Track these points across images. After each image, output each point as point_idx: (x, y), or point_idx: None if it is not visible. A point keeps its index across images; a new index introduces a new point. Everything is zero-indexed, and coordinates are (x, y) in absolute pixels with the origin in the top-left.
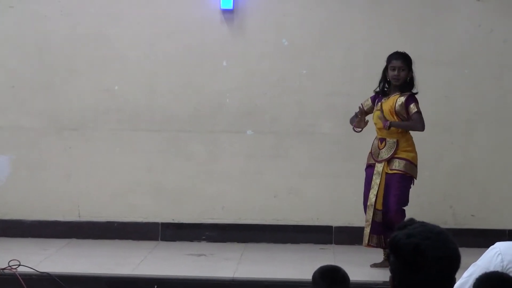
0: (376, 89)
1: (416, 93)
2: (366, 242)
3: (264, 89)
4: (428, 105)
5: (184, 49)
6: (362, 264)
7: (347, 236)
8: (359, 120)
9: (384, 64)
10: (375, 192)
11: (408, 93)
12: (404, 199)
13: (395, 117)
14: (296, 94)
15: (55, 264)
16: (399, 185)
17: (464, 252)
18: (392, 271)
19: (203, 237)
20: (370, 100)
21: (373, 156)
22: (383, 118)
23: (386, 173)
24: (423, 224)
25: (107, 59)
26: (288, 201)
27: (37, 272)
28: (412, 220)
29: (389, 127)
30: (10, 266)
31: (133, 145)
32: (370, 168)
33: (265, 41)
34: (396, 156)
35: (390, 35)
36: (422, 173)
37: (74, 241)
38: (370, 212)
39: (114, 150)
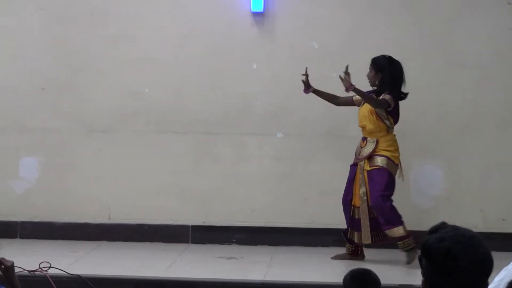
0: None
1: (404, 95)
2: (370, 241)
3: (292, 91)
4: (456, 108)
5: (214, 52)
6: (393, 266)
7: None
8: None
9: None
10: (364, 190)
11: (387, 92)
12: (384, 187)
13: (373, 115)
14: None
15: (86, 266)
16: (379, 180)
17: (494, 256)
18: (424, 274)
19: (233, 240)
20: None
21: (356, 154)
22: (345, 81)
23: (367, 170)
24: (455, 228)
25: (136, 61)
26: (319, 203)
27: (68, 274)
28: (444, 224)
29: (352, 89)
30: (40, 268)
31: (162, 147)
32: (353, 166)
33: (294, 44)
34: (375, 153)
35: (418, 38)
36: (451, 177)
37: (104, 243)
38: (365, 210)
39: (143, 152)
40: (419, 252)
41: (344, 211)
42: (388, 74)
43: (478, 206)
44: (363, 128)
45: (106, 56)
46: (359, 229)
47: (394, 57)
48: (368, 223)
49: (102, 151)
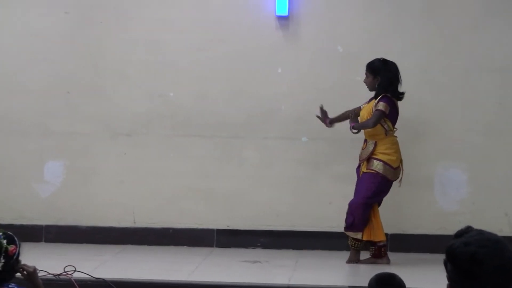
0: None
1: (401, 94)
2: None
3: (317, 95)
4: (482, 111)
5: (238, 55)
6: (418, 271)
7: (401, 243)
8: (323, 116)
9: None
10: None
11: (383, 95)
12: (368, 195)
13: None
14: (350, 101)
15: (110, 270)
16: (367, 182)
17: None
18: (449, 279)
19: (258, 244)
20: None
21: (359, 156)
22: (352, 120)
23: (363, 172)
24: (480, 232)
25: (161, 64)
26: (343, 207)
27: (93, 278)
28: (469, 228)
29: (354, 128)
30: (65, 272)
31: (186, 151)
32: (358, 168)
33: (319, 48)
34: (373, 156)
35: (443, 41)
36: (476, 180)
37: (129, 247)
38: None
39: (167, 155)
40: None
41: None
42: (385, 76)
43: (503, 210)
44: (360, 132)
45: (131, 59)
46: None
47: (419, 60)
48: (380, 220)
49: (127, 155)
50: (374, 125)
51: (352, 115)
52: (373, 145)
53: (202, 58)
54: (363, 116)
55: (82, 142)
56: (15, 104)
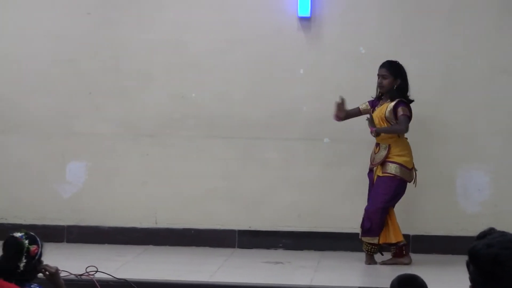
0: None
1: (412, 101)
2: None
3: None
4: (504, 113)
5: (260, 56)
6: (440, 272)
7: (424, 244)
8: (338, 108)
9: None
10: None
11: (399, 99)
12: (386, 199)
13: (384, 123)
14: None
15: (132, 271)
16: (385, 185)
17: None
18: (471, 280)
19: (280, 245)
20: (368, 103)
21: (370, 160)
22: (371, 124)
23: (378, 176)
24: (503, 234)
25: (183, 65)
26: None
27: (114, 279)
28: (492, 230)
29: (376, 133)
30: (87, 272)
31: (209, 152)
32: (370, 173)
33: (341, 49)
34: (388, 160)
35: (466, 43)
36: (498, 182)
37: (151, 247)
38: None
39: (190, 156)
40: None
41: None
42: (404, 80)
43: None
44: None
45: (153, 60)
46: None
47: (442, 62)
48: (396, 221)
49: (149, 156)
50: (407, 130)
51: (370, 117)
52: (387, 149)
53: (224, 59)
54: (376, 117)
55: (105, 143)
56: (38, 105)
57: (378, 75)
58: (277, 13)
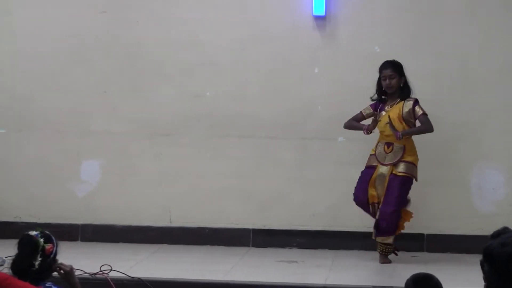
0: (372, 96)
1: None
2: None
3: (354, 95)
4: None
5: (275, 55)
6: (454, 271)
7: (438, 244)
8: (374, 125)
9: None
10: (380, 192)
11: (413, 98)
12: (403, 202)
13: (403, 123)
14: None
15: (147, 269)
16: (401, 188)
17: None
18: (486, 279)
19: (294, 244)
20: (370, 108)
21: (378, 158)
22: (393, 128)
23: (394, 175)
24: (507, 232)
25: (198, 64)
26: None
27: (129, 277)
28: (506, 229)
29: (401, 137)
30: (102, 271)
31: (223, 151)
32: (370, 168)
33: (356, 48)
34: (403, 159)
35: (481, 42)
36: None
37: (165, 246)
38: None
39: (204, 155)
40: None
41: (366, 211)
42: (405, 78)
43: None
44: (390, 134)
45: (167, 59)
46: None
47: (457, 61)
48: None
49: (164, 155)
50: (433, 129)
51: (390, 122)
52: (402, 149)
53: (239, 58)
54: (394, 118)
55: (119, 142)
56: (53, 103)
57: (383, 76)
58: (292, 12)
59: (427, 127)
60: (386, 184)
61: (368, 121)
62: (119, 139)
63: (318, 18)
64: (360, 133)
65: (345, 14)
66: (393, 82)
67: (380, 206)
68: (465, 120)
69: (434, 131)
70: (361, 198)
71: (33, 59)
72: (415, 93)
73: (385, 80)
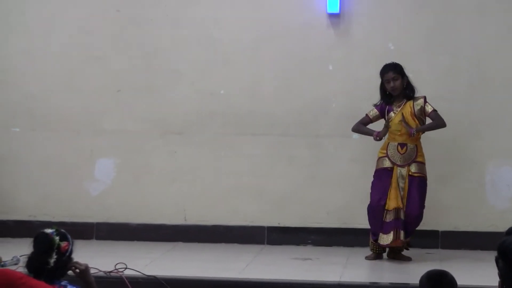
0: (377, 103)
1: None
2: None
3: (369, 93)
4: None
5: (289, 53)
6: (469, 268)
7: (453, 240)
8: (385, 131)
9: None
10: (402, 194)
11: (423, 96)
12: (424, 203)
13: (416, 121)
14: None
15: (162, 268)
16: (421, 190)
17: None
18: (501, 276)
19: (309, 241)
20: (376, 110)
21: (392, 160)
22: (408, 125)
23: (411, 176)
24: None
25: (212, 62)
26: None
27: (144, 275)
28: None
29: (415, 133)
30: (116, 269)
31: (237, 149)
32: (386, 171)
33: (370, 46)
34: (416, 160)
35: (495, 39)
36: None
37: (180, 244)
38: (400, 213)
39: (218, 154)
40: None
41: (374, 217)
42: (407, 78)
43: None
44: (403, 134)
45: (182, 57)
46: (387, 231)
47: (471, 59)
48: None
49: (178, 153)
50: (445, 123)
51: (404, 120)
52: (415, 149)
53: (253, 56)
54: (407, 117)
55: (133, 140)
56: (67, 102)
57: (386, 80)
58: (306, 9)
59: (439, 123)
60: (406, 186)
61: (375, 124)
62: (133, 137)
63: (332, 15)
64: (375, 130)
65: (359, 11)
66: (397, 83)
67: (405, 210)
68: (479, 118)
69: (449, 128)
70: (376, 202)
71: (46, 58)
72: (428, 91)
73: (388, 83)
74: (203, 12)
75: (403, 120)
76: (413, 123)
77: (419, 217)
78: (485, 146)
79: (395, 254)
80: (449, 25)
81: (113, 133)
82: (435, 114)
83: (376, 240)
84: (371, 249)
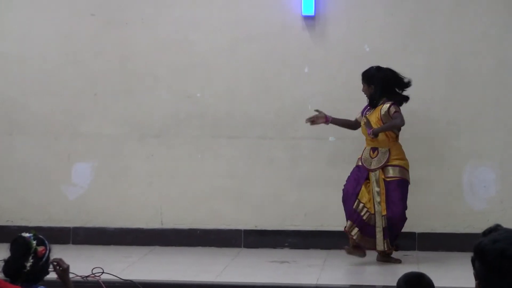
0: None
1: (407, 98)
2: (382, 247)
3: (346, 95)
4: (511, 108)
5: (266, 55)
6: (446, 269)
7: (430, 242)
8: (316, 116)
9: None
10: (379, 200)
11: (390, 102)
12: (405, 205)
13: (381, 124)
14: None
15: (138, 272)
16: (400, 191)
17: None
18: (477, 277)
19: (286, 244)
20: (360, 112)
21: (365, 164)
22: (368, 126)
23: (384, 180)
24: (507, 230)
25: (188, 65)
26: None
27: (121, 280)
28: (498, 226)
29: (373, 134)
30: (93, 274)
31: (214, 152)
32: (364, 168)
33: (346, 47)
34: (389, 164)
35: (472, 40)
36: (504, 179)
37: (157, 248)
38: (380, 220)
39: (196, 156)
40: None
41: (346, 202)
42: (379, 83)
43: None
44: (372, 139)
45: (158, 60)
46: (373, 236)
47: (448, 59)
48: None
49: (155, 156)
50: (404, 122)
51: (352, 122)
52: (387, 153)
53: (229, 59)
54: (373, 120)
55: (111, 144)
56: (43, 105)
57: None
58: (282, 12)
59: (396, 122)
60: (383, 191)
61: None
62: (110, 141)
63: (307, 18)
64: (351, 132)
65: (334, 13)
66: (364, 90)
67: (387, 214)
68: (457, 118)
69: (426, 128)
70: (352, 189)
71: (23, 61)
72: (406, 92)
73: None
74: (179, 14)
75: (367, 122)
76: (378, 126)
77: (401, 219)
78: (462, 147)
79: (384, 257)
80: (426, 26)
81: (90, 137)
82: (396, 114)
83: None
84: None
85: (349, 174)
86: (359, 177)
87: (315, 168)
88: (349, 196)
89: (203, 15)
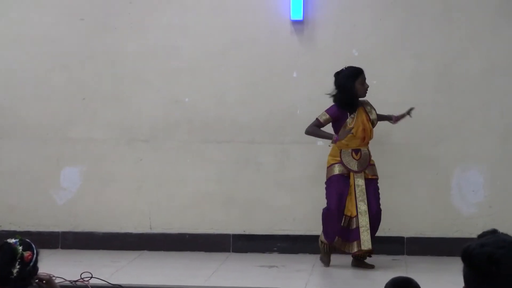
0: None
1: (348, 103)
2: (370, 246)
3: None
4: (500, 114)
5: (255, 60)
6: (435, 274)
7: (418, 246)
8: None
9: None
10: (362, 198)
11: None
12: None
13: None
14: None
15: (127, 276)
16: (377, 190)
17: None
18: (466, 281)
19: (275, 249)
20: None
21: (348, 166)
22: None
23: (368, 179)
24: (496, 234)
25: (177, 70)
26: None
27: (109, 284)
28: (495, 231)
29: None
30: (82, 278)
31: (203, 156)
32: (343, 177)
33: (335, 52)
34: (370, 163)
35: (460, 44)
36: (493, 183)
37: (145, 253)
38: (366, 219)
39: (184, 161)
40: None
41: (333, 220)
42: (339, 88)
43: None
44: (363, 139)
45: (146, 65)
46: (357, 238)
47: (437, 63)
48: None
49: (144, 161)
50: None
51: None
52: (368, 153)
53: (217, 63)
54: (371, 126)
55: (99, 148)
56: (32, 110)
57: None
58: (271, 17)
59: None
60: (364, 189)
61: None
62: (99, 145)
63: (296, 22)
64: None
65: (323, 18)
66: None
67: (368, 211)
68: (446, 122)
69: (415, 132)
70: (336, 207)
71: (11, 66)
72: (394, 96)
73: None
74: (168, 20)
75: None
76: (371, 129)
77: (380, 214)
78: (451, 151)
79: (359, 262)
80: (414, 31)
81: (79, 141)
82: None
83: (331, 243)
84: (323, 251)
85: (327, 186)
86: (341, 190)
87: (304, 173)
88: (334, 214)
89: (192, 20)
